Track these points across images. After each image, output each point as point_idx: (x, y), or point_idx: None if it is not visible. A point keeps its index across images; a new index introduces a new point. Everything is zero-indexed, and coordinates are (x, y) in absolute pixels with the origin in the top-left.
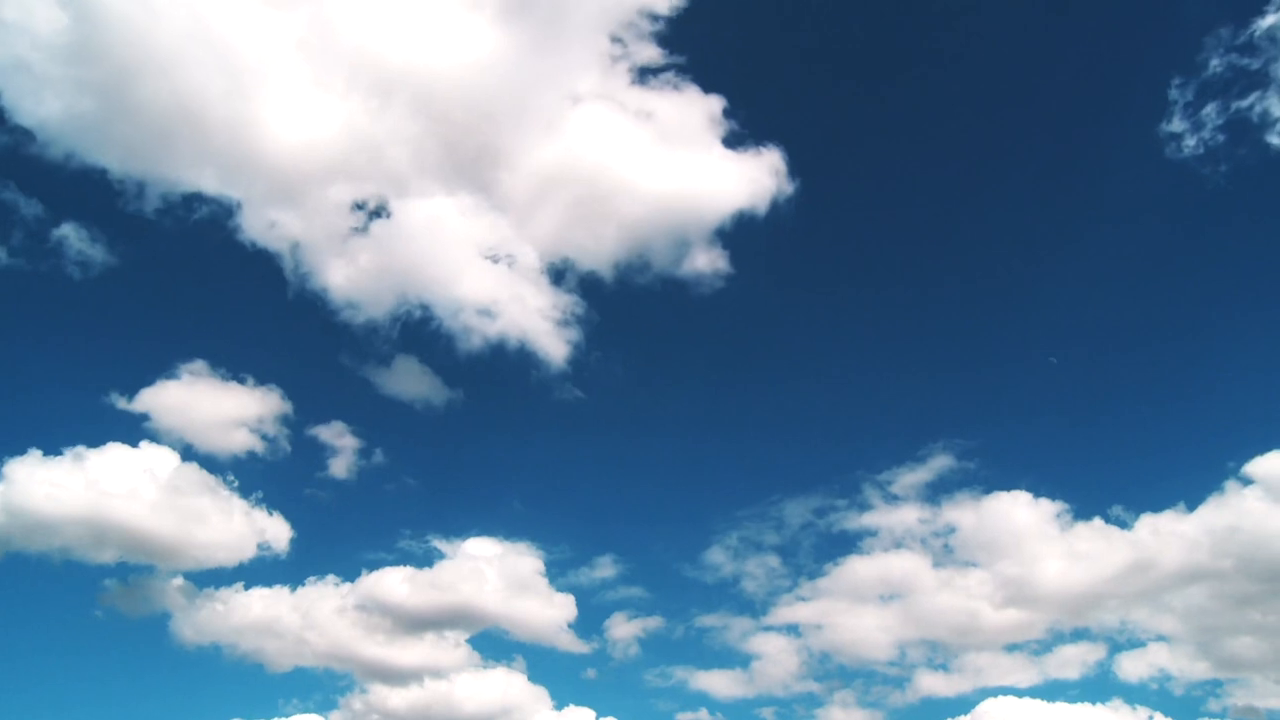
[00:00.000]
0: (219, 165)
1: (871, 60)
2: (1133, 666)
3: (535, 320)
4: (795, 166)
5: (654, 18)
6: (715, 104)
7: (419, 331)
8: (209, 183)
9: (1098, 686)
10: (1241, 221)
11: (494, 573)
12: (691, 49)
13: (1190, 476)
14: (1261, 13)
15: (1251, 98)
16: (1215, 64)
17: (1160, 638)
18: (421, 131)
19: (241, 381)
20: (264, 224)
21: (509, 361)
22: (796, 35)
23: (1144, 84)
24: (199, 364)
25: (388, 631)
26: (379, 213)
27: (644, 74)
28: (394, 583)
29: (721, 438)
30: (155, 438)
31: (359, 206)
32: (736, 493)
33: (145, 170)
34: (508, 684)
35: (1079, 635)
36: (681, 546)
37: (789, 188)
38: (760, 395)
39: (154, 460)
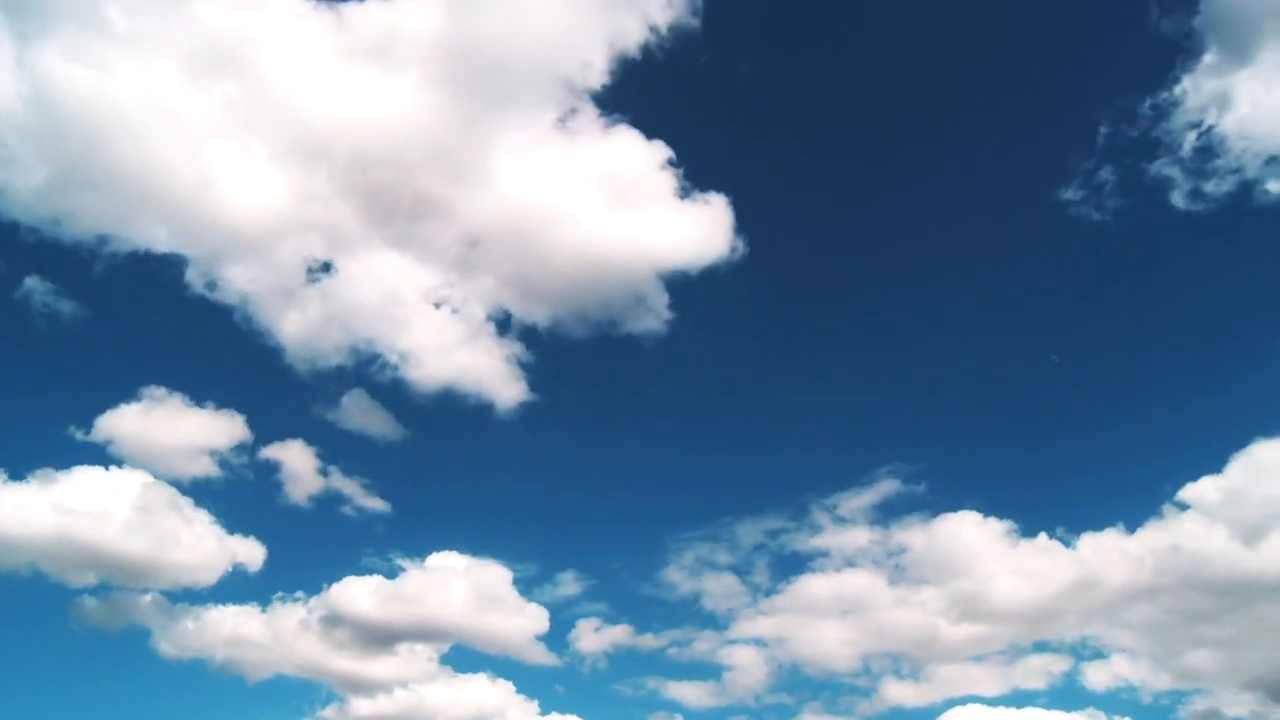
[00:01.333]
0: (174, 227)
1: (811, 120)
2: (1098, 676)
3: (482, 366)
4: (740, 213)
5: (593, 71)
6: (658, 156)
7: (371, 379)
8: (165, 242)
9: (1065, 696)
10: (1165, 267)
11: (464, 587)
12: (632, 104)
13: (1128, 501)
14: (1153, 87)
15: (1155, 164)
16: (1105, 131)
17: (1122, 650)
18: (362, 188)
19: (202, 407)
20: (217, 280)
21: (458, 405)
22: (737, 90)
23: (1044, 152)
24: (160, 390)
25: (359, 646)
26: (325, 267)
27: (583, 127)
28: (363, 600)
29: (671, 463)
30: (122, 462)
31: (306, 261)
32: (688, 516)
33: (105, 231)
34: (487, 693)
35: (1041, 648)
36: (638, 566)
37: (735, 235)
38: (707, 424)
39: (123, 483)
